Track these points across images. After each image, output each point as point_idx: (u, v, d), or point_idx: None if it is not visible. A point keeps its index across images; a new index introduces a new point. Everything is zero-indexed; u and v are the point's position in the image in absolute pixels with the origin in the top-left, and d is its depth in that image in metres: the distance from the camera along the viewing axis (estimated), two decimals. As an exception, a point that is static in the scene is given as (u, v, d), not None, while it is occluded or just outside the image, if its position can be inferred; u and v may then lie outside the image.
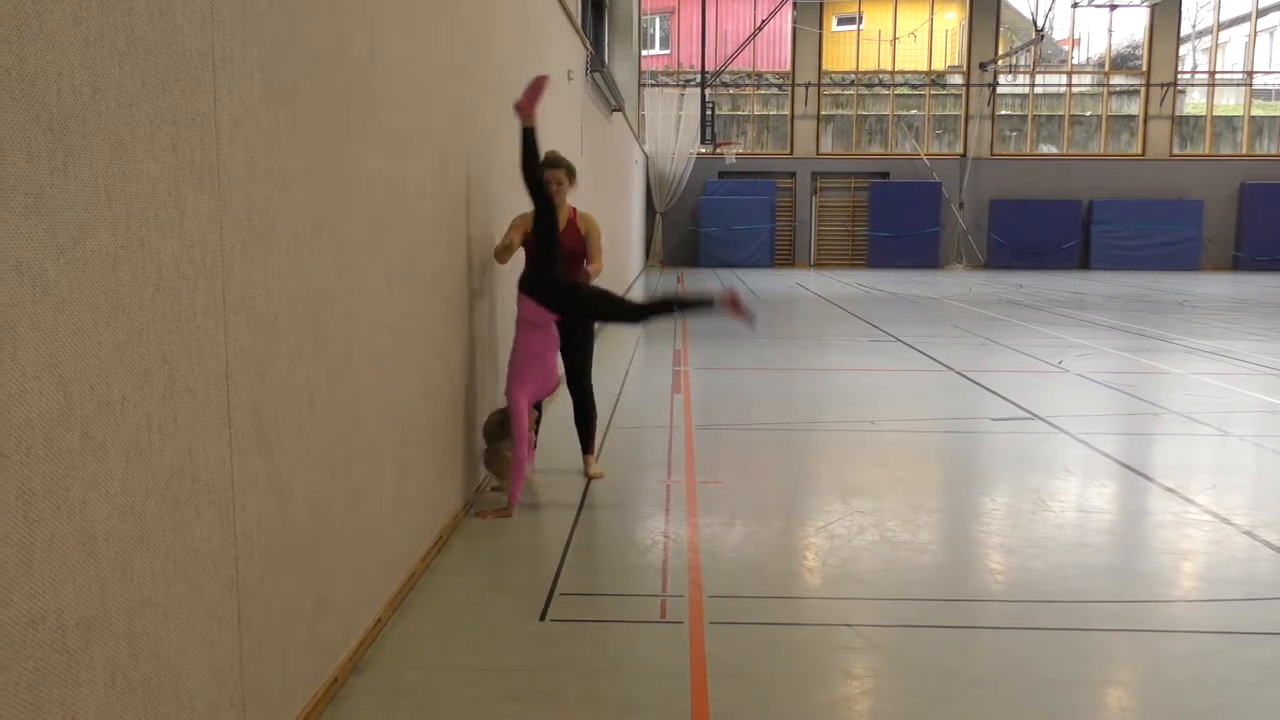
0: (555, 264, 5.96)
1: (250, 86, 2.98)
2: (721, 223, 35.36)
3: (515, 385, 5.83)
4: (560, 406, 7.95)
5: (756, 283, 26.98)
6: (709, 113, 31.66)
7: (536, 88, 5.99)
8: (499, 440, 5.98)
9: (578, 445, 6.97)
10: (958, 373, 11.43)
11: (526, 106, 5.94)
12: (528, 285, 5.93)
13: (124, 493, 2.38)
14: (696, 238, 35.75)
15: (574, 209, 6.69)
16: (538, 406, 6.58)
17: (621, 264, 21.32)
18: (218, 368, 2.80)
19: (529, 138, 5.96)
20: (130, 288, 2.39)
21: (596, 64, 15.59)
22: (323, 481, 3.58)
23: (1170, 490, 6.66)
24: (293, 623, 3.36)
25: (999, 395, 9.95)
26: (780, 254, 36.29)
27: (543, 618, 4.42)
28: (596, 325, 6.87)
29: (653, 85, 34.83)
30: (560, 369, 7.13)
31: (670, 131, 34.94)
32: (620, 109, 19.97)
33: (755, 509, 6.11)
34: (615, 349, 13.15)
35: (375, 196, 4.16)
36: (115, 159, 2.33)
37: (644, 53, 33.55)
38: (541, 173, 6.08)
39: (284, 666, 3.30)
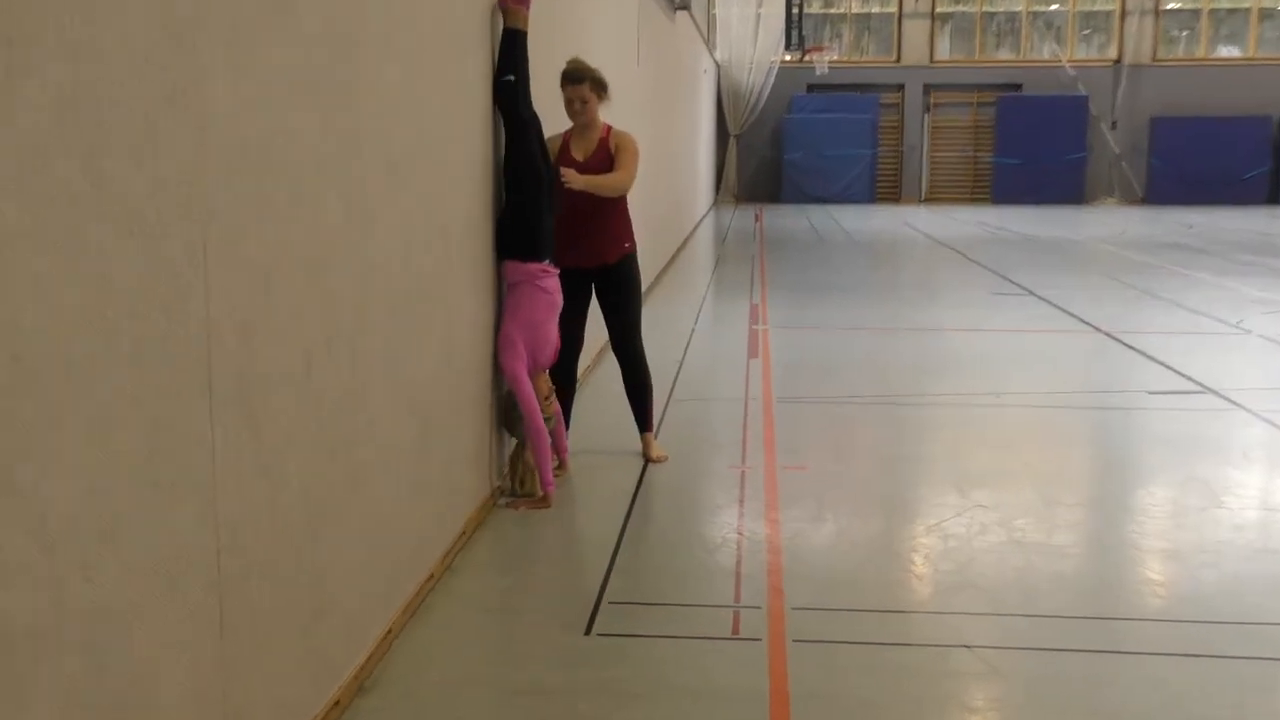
0: (552, 206, 6.04)
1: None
2: (810, 148, 35.21)
3: (508, 354, 5.89)
4: (610, 373, 7.94)
5: (853, 222, 26.84)
6: (796, 11, 31.44)
7: None
8: (517, 426, 6.08)
9: (632, 421, 7.05)
10: (1106, 334, 11.37)
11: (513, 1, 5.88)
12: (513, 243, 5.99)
13: (83, 473, 2.42)
14: (779, 167, 35.62)
15: (608, 127, 6.68)
16: (563, 374, 6.67)
17: (684, 199, 21.41)
18: (197, 326, 2.82)
19: (513, 42, 5.84)
20: (94, 231, 2.42)
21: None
22: (321, 463, 3.62)
23: (1374, 483, 6.56)
24: (286, 632, 3.40)
25: (1159, 362, 9.90)
26: (883, 187, 36.11)
27: (588, 631, 4.45)
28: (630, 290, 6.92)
29: (726, -24, 34.69)
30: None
31: (747, 35, 34.77)
32: (686, 7, 19.90)
33: (849, 501, 6.09)
34: (677, 303, 13.21)
35: (392, 128, 4.15)
36: (75, 70, 2.34)
37: (715, -65, 33.41)
38: (564, 88, 6.20)
39: (275, 684, 3.34)
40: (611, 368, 8.42)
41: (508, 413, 6.06)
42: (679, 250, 19.59)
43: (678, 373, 9.36)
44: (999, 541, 5.54)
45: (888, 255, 19.66)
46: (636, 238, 6.95)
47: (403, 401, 4.43)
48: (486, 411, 5.85)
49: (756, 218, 27.71)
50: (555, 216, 6.14)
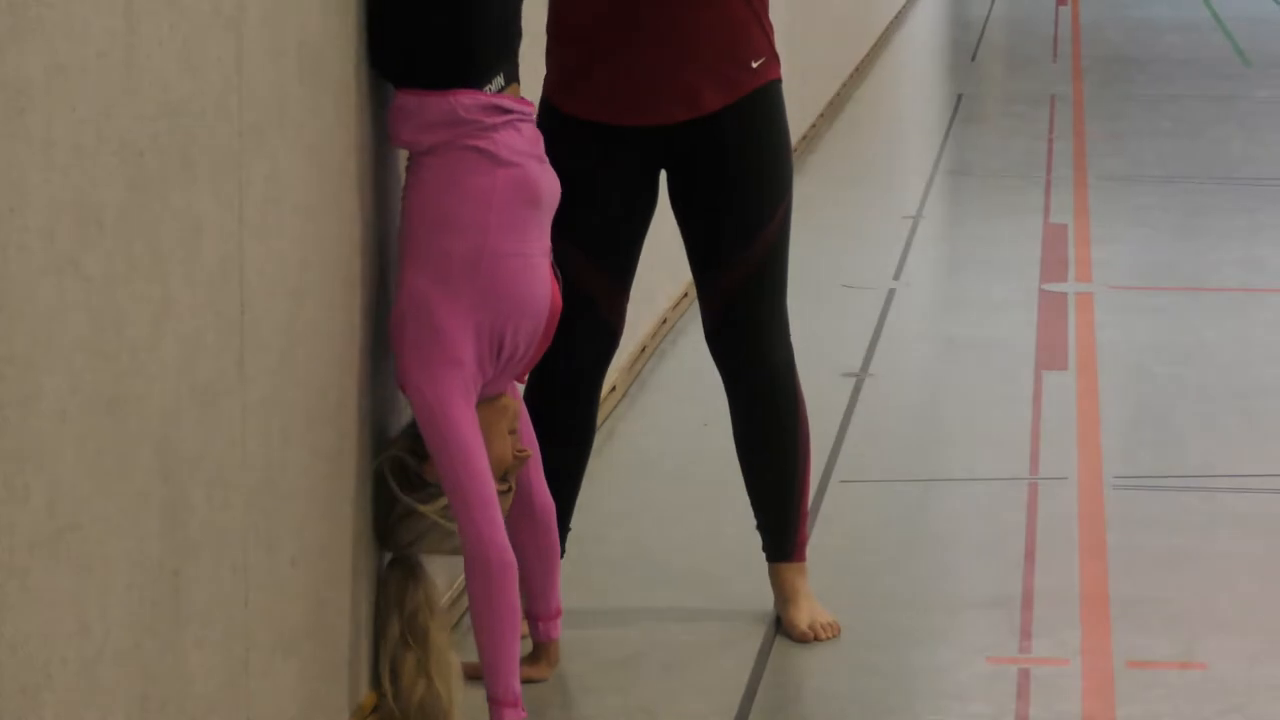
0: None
1: None
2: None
3: (419, 346, 3.30)
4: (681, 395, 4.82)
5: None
6: None
7: None
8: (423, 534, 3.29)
9: (746, 528, 4.04)
10: None
11: None
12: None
13: None
14: None
15: None
16: (564, 405, 3.81)
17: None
18: None
19: None
20: None
21: None
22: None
23: None
24: None
25: None
26: None
27: None
28: None
29: None
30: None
31: None
32: None
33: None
34: (853, 218, 8.26)
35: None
36: None
37: None
38: None
39: None
40: (685, 389, 5.36)
41: (390, 505, 3.24)
42: (858, 75, 12.26)
43: (853, 406, 6.24)
44: None
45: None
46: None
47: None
48: (348, 517, 3.22)
49: None
50: None
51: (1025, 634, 3.82)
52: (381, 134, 3.10)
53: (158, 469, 2.26)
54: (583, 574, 3.80)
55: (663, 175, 3.75)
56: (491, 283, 3.06)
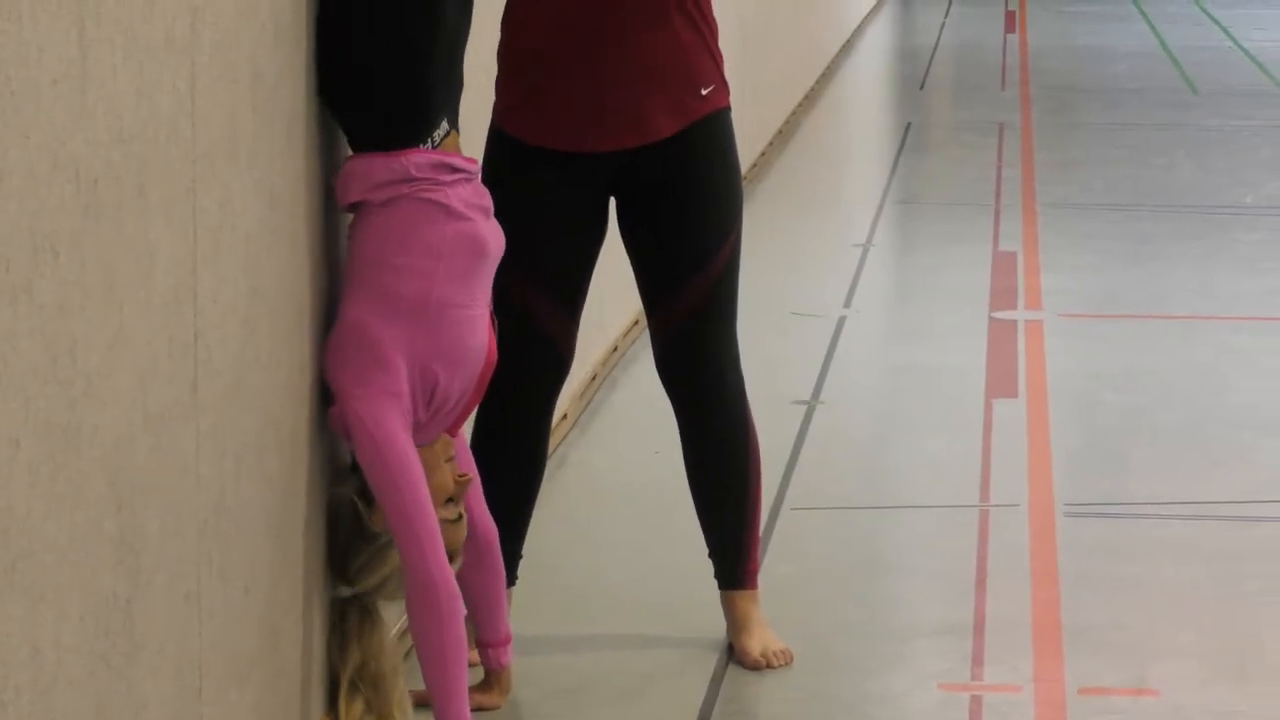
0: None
1: None
2: None
3: (362, 384, 3.25)
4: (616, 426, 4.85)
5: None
6: None
7: None
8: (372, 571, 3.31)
9: (698, 548, 4.04)
10: None
11: None
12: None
13: None
14: None
15: None
16: (514, 438, 3.80)
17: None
18: None
19: None
20: None
21: None
22: None
23: None
24: None
25: None
26: None
27: None
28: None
29: None
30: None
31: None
32: None
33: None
34: (804, 241, 8.37)
35: None
36: None
37: None
38: None
39: None
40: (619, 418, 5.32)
41: (355, 547, 3.27)
42: (807, 103, 12.40)
43: (804, 433, 6.11)
44: None
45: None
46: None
47: None
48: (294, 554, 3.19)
49: (1009, 19, 19.89)
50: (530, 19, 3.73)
51: (977, 661, 3.84)
52: (331, 162, 3.11)
53: (111, 497, 2.26)
54: (535, 601, 3.79)
55: (613, 202, 3.78)
56: (434, 329, 3.11)
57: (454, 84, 3.30)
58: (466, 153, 3.26)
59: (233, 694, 2.74)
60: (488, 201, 3.22)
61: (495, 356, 3.23)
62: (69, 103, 2.11)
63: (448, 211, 3.11)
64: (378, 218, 3.13)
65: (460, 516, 3.17)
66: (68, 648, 2.15)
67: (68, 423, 2.12)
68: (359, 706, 3.15)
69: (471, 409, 3.28)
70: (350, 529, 3.16)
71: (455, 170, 3.15)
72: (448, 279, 3.10)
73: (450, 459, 3.21)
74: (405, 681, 3.26)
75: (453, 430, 3.26)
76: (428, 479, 3.04)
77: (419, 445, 3.15)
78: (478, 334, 3.17)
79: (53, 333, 2.09)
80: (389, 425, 3.02)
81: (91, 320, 2.18)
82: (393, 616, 3.35)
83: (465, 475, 3.22)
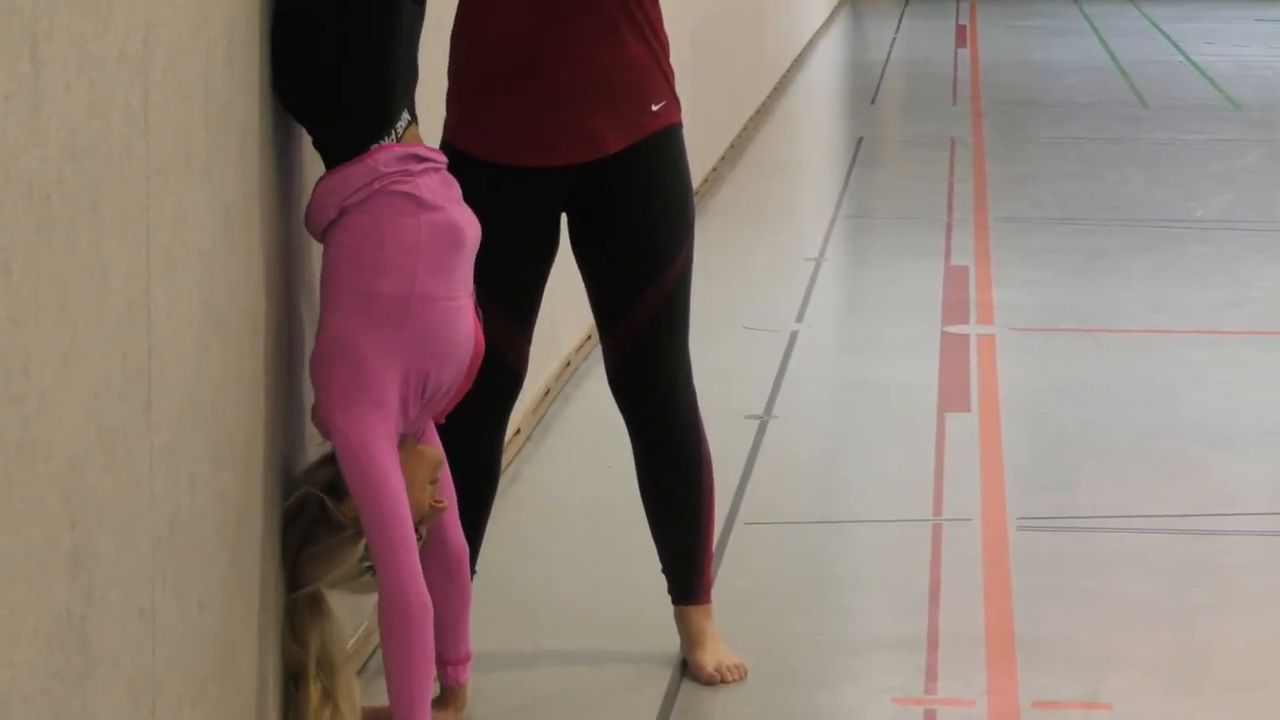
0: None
1: None
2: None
3: (351, 391, 3.24)
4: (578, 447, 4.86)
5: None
6: None
7: None
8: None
9: (651, 563, 4.02)
10: None
11: None
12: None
13: None
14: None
15: None
16: (473, 449, 3.76)
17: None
18: None
19: None
20: None
21: None
22: None
23: None
24: None
25: None
26: None
27: None
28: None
29: None
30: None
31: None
32: None
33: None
34: (757, 260, 8.34)
35: None
36: None
37: None
38: None
39: None
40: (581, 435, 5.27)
41: (310, 539, 3.26)
42: (759, 117, 12.40)
43: (757, 448, 6.02)
44: None
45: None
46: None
47: None
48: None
49: (960, 33, 20.15)
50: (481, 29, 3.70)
51: (931, 675, 3.82)
52: (285, 177, 3.09)
53: (65, 514, 2.24)
54: (488, 617, 3.75)
55: (564, 217, 3.78)
56: (419, 326, 3.09)
57: (412, 74, 3.31)
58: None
59: (186, 711, 2.71)
60: (457, 191, 3.22)
61: (484, 343, 3.25)
62: (21, 119, 2.09)
63: (419, 203, 3.11)
64: (352, 219, 3.14)
65: (421, 539, 3.18)
66: (21, 664, 2.13)
67: (21, 439, 2.10)
68: (317, 693, 3.20)
69: (459, 397, 3.31)
70: (314, 518, 3.18)
71: (422, 160, 3.15)
72: (427, 273, 3.09)
73: (434, 481, 3.21)
74: (354, 670, 3.30)
75: (440, 416, 3.29)
76: (407, 494, 3.08)
77: (410, 436, 3.19)
78: (464, 325, 3.17)
79: (5, 349, 2.06)
80: (373, 441, 3.04)
81: (45, 336, 2.15)
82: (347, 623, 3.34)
83: (442, 503, 3.21)
